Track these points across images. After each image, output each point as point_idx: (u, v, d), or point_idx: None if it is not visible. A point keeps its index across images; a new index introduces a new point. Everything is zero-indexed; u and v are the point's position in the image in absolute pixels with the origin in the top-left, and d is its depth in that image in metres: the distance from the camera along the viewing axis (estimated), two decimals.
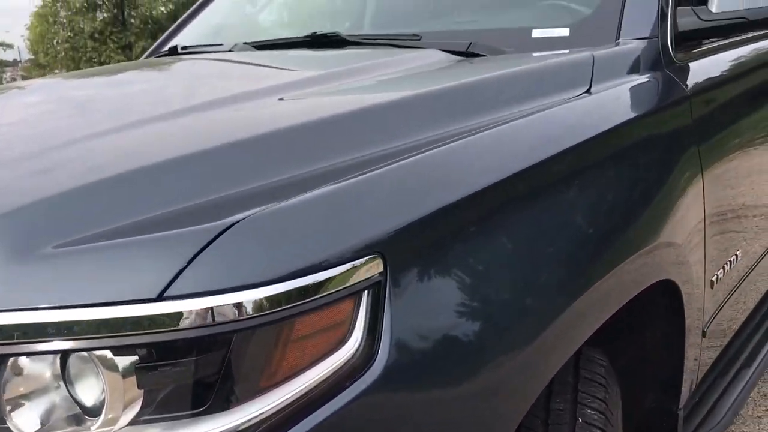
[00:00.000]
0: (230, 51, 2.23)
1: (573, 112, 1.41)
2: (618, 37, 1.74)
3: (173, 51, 2.44)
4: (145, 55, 2.70)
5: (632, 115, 1.52)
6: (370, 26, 2.27)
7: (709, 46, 1.94)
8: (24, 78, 30.84)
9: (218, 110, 1.37)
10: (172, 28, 2.69)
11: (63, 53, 35.50)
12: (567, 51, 1.69)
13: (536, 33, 1.81)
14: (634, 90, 1.61)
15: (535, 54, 1.74)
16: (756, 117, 2.09)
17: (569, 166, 1.27)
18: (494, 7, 2.07)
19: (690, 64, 1.83)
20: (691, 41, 1.87)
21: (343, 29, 2.22)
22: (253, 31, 2.48)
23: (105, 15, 35.79)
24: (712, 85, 1.86)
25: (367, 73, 1.64)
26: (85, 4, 37.37)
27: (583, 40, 1.77)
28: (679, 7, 1.86)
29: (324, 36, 2.05)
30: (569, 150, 1.27)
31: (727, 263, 1.82)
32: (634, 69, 1.68)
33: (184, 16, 2.72)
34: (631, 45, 1.71)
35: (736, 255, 1.90)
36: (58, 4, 42.00)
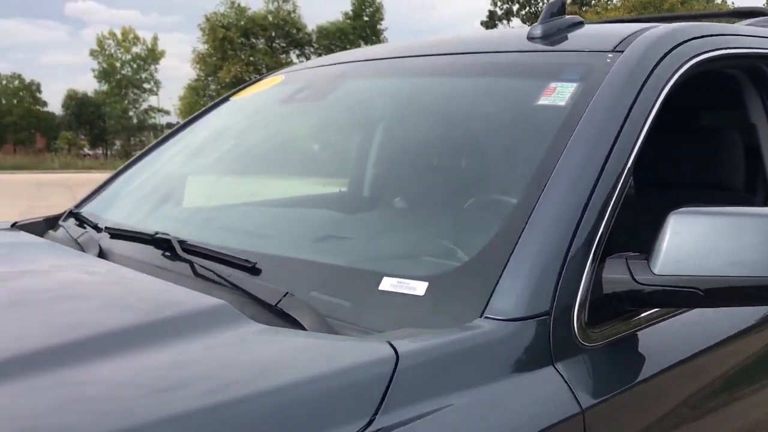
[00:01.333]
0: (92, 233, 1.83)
1: None
2: (485, 310, 1.17)
3: (72, 214, 2.09)
4: None
5: None
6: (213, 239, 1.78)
7: (637, 321, 1.34)
8: None
9: None
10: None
11: None
12: (355, 340, 1.14)
13: (386, 284, 1.27)
14: (472, 417, 1.03)
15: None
16: None
17: None
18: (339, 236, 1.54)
19: (606, 350, 1.23)
20: (620, 313, 1.30)
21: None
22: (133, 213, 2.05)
23: None
24: (629, 385, 1.25)
25: None
26: (234, 80, 39.83)
27: (438, 308, 1.21)
28: (608, 259, 1.27)
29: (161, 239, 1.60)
30: None
31: None
32: (495, 369, 1.10)
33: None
34: (494, 326, 1.14)
35: None
36: (209, 78, 45.15)
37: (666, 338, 1.35)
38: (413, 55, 2.00)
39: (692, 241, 1.23)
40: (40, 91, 60.22)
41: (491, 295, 1.18)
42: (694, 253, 1.22)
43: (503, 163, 1.54)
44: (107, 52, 54.18)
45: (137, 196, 2.12)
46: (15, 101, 57.85)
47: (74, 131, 57.54)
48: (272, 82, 2.32)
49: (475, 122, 1.65)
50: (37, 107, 59.15)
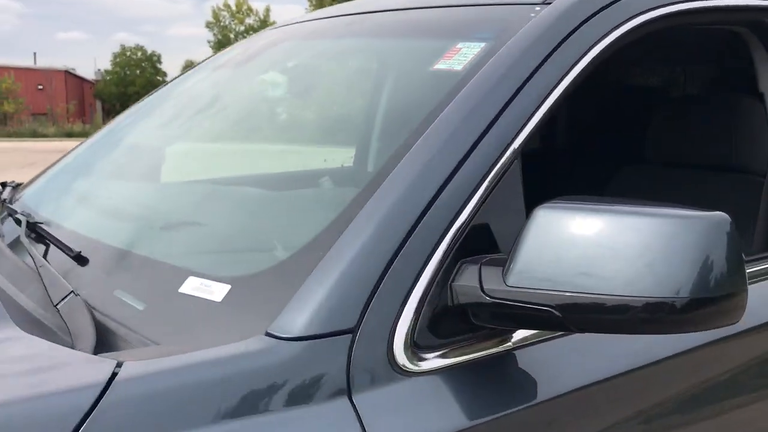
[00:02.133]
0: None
1: None
2: (271, 326, 0.93)
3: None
4: None
5: None
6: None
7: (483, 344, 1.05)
8: None
9: None
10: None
11: None
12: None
13: (188, 286, 1.05)
14: None
15: None
16: None
17: None
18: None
19: (446, 378, 0.98)
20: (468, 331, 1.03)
21: None
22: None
23: None
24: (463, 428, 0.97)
25: None
26: None
27: (232, 320, 0.99)
28: (464, 262, 1.00)
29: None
30: None
31: None
32: (257, 403, 0.87)
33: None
34: (271, 346, 0.90)
35: None
36: None
37: (539, 365, 1.07)
38: (351, 13, 1.74)
39: (555, 244, 0.94)
40: (160, 62, 62.93)
41: (284, 308, 0.94)
42: (554, 260, 0.93)
43: (365, 145, 1.29)
44: (222, 24, 55.76)
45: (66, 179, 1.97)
46: (138, 72, 60.77)
47: None
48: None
49: (355, 94, 1.39)
50: (158, 77, 61.85)
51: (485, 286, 0.97)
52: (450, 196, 1.02)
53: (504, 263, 0.97)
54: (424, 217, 0.99)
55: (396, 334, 0.94)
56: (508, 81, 1.13)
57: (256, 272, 1.05)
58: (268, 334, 0.92)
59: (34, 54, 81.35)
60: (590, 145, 2.80)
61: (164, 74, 62.36)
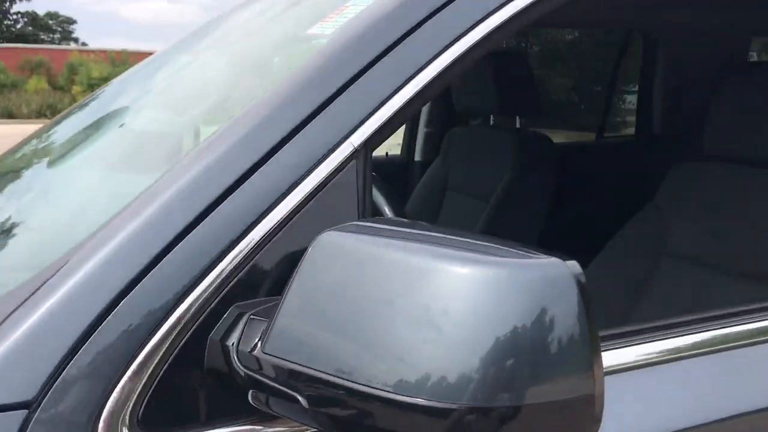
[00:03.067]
0: None
1: None
2: None
3: None
4: None
5: None
6: None
7: None
8: None
9: None
10: None
11: None
12: None
13: None
14: None
15: None
16: None
17: None
18: None
19: None
20: None
21: None
22: None
23: None
24: None
25: None
26: None
27: None
28: (238, 306, 0.74)
29: None
30: None
31: None
32: None
33: None
34: None
35: None
36: None
37: None
38: None
39: (329, 288, 0.66)
40: None
41: None
42: (319, 312, 0.65)
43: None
44: None
45: None
46: None
47: None
48: None
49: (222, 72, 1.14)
50: None
51: (240, 350, 0.69)
52: (234, 209, 0.75)
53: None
54: (188, 236, 0.73)
55: (107, 409, 0.69)
56: (362, 54, 0.83)
57: None
58: None
59: None
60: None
61: None
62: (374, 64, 0.82)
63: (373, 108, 0.81)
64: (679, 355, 0.93)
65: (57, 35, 46.66)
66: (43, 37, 44.96)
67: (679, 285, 1.70)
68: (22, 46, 30.84)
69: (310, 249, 0.68)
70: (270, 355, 0.65)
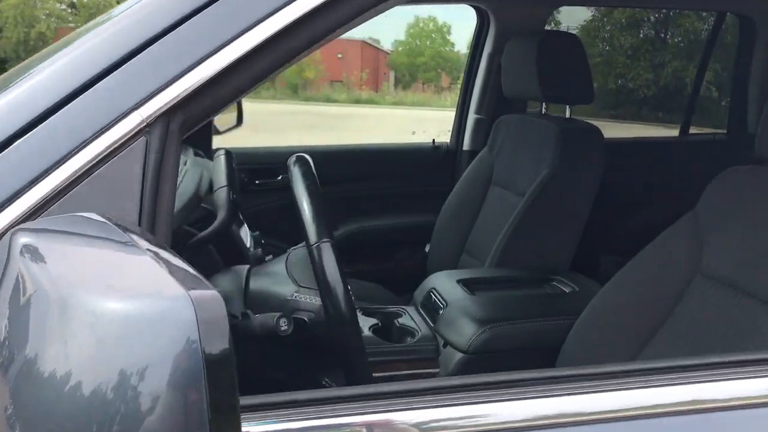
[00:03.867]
0: None
1: None
2: None
3: None
4: None
5: None
6: None
7: None
8: None
9: None
10: None
11: None
12: None
13: None
14: None
15: None
16: None
17: None
18: None
19: None
20: None
21: None
22: None
23: None
24: None
25: None
26: None
27: None
28: None
29: None
30: None
31: None
32: None
33: None
34: None
35: None
36: None
37: None
38: None
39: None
40: (450, 33, 64.43)
41: None
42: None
43: None
44: None
45: None
46: (428, 42, 62.86)
47: None
48: None
49: None
50: (446, 48, 63.44)
51: None
52: None
53: None
54: None
55: None
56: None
57: None
58: None
59: None
60: None
61: (453, 44, 63.72)
62: (180, 25, 0.62)
63: (175, 75, 0.61)
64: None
65: None
66: None
67: (707, 311, 1.41)
68: None
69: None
70: None
